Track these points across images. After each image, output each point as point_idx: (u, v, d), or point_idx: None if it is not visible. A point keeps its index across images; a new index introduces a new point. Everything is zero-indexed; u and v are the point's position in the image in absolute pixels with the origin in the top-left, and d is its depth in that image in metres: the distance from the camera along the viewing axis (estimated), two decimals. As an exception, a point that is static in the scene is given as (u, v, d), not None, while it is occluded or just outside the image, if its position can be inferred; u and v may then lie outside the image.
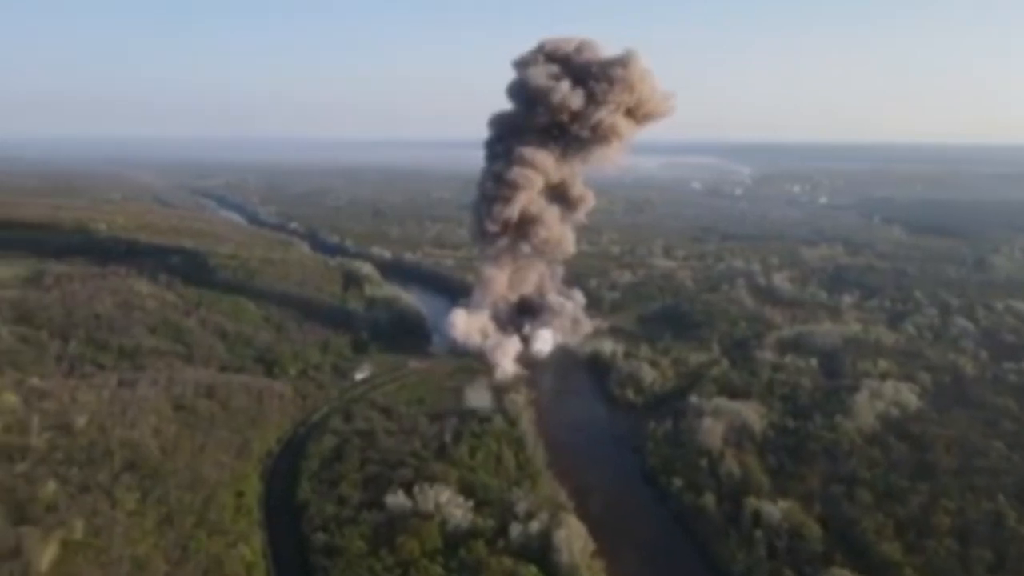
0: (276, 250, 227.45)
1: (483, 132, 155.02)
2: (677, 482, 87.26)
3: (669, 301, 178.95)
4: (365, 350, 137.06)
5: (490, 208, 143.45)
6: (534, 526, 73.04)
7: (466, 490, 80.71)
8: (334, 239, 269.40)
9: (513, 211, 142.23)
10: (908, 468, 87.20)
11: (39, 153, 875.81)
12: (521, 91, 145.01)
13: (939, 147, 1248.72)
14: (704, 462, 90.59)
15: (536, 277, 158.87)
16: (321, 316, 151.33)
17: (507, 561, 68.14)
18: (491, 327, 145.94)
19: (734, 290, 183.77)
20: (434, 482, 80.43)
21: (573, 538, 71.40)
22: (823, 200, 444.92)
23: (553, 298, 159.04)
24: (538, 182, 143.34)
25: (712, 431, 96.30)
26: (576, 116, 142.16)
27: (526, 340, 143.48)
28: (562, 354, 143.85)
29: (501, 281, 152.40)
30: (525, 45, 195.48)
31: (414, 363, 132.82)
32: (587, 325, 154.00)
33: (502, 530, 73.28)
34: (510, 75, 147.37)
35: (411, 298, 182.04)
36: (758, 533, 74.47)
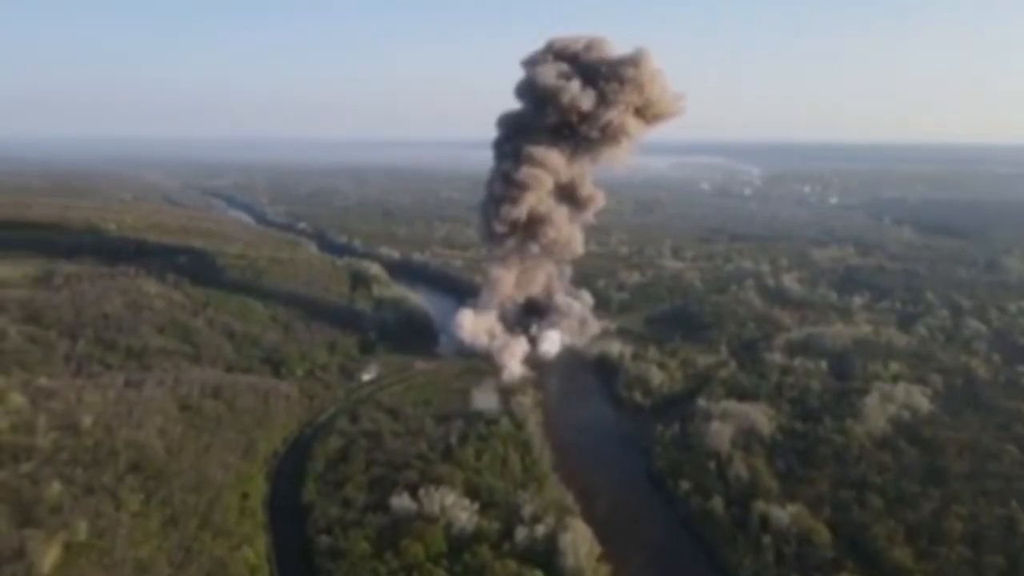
0: (284, 250, 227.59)
1: (484, 132, 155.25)
2: (685, 485, 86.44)
3: (677, 302, 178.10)
4: (372, 351, 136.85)
5: (498, 208, 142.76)
6: (540, 529, 72.49)
7: (472, 492, 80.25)
8: (342, 239, 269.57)
9: (521, 211, 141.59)
10: (919, 472, 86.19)
11: (41, 153, 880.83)
12: (530, 90, 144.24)
13: (951, 147, 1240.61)
14: (712, 465, 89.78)
15: (544, 278, 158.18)
16: (328, 316, 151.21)
17: (512, 565, 67.64)
18: (498, 328, 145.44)
19: (743, 291, 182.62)
20: (439, 484, 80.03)
21: (579, 542, 70.85)
22: (833, 200, 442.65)
23: (561, 299, 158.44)
24: (547, 182, 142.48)
25: (720, 434, 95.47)
26: (585, 116, 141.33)
27: (533, 341, 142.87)
28: (569, 355, 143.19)
29: (508, 281, 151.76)
30: (526, 45, 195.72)
31: (420, 364, 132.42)
32: (595, 326, 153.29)
33: (507, 533, 72.80)
34: (511, 75, 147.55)
35: (419, 299, 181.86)
36: (766, 538, 73.65)
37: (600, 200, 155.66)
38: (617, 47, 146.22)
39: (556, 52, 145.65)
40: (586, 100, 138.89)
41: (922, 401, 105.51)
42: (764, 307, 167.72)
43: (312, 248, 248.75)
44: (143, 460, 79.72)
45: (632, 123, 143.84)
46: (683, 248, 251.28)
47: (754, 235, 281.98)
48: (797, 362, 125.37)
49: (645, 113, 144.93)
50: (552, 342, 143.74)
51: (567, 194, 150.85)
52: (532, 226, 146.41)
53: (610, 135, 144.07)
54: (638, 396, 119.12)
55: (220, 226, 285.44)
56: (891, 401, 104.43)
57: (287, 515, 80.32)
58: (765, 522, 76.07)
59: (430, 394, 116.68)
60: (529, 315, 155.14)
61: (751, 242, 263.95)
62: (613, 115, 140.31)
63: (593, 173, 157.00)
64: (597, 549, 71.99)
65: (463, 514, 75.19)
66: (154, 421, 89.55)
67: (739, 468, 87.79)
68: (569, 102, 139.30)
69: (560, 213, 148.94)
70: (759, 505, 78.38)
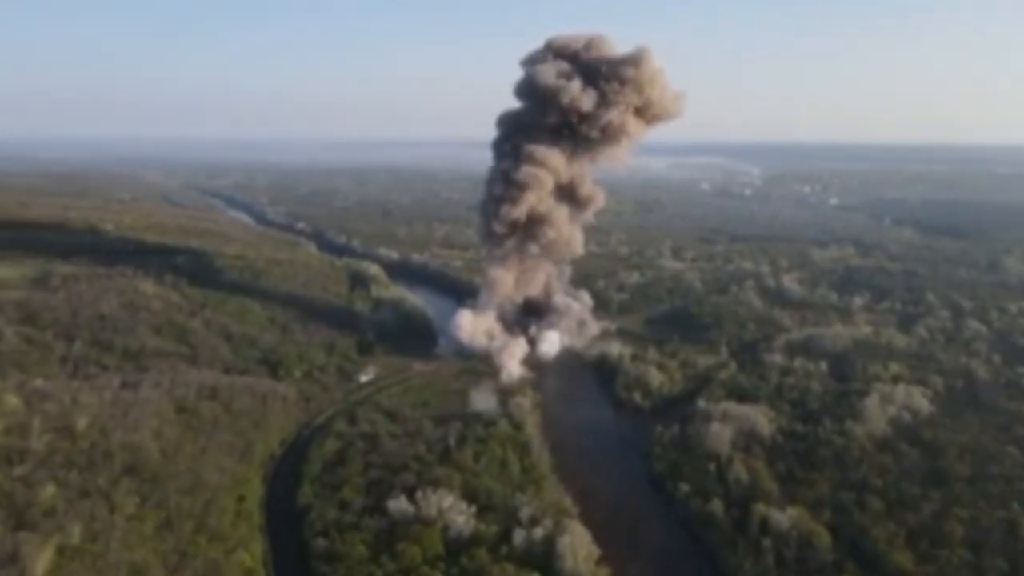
0: (283, 250, 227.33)
1: (484, 132, 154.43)
2: (684, 488, 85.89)
3: (677, 303, 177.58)
4: (370, 352, 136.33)
5: (498, 208, 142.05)
6: (538, 532, 72.01)
7: (469, 495, 79.71)
8: (341, 239, 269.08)
9: (521, 211, 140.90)
10: (920, 475, 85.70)
11: (40, 152, 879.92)
12: (529, 90, 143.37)
13: (951, 147, 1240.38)
14: (712, 467, 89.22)
15: (543, 278, 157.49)
16: (327, 317, 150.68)
17: (510, 568, 67.19)
18: (497, 329, 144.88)
19: (743, 292, 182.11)
20: (437, 487, 79.56)
21: (577, 545, 70.33)
22: (833, 201, 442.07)
23: (560, 299, 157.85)
24: (547, 181, 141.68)
25: (720, 436, 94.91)
26: (585, 117, 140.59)
27: (532, 342, 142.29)
28: (568, 356, 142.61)
29: (508, 282, 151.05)
30: (526, 45, 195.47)
31: (419, 365, 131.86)
32: (594, 327, 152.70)
33: (505, 536, 72.35)
34: (511, 75, 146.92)
35: (417, 299, 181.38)
36: (766, 541, 73.13)
37: (600, 199, 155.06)
38: (617, 45, 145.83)
39: (556, 51, 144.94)
40: (586, 100, 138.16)
41: (922, 402, 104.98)
42: (764, 308, 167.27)
43: (311, 248, 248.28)
44: (138, 463, 79.17)
45: (632, 123, 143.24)
46: (683, 249, 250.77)
47: (754, 236, 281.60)
48: (797, 363, 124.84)
49: (645, 113, 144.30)
50: (551, 343, 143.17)
51: (567, 193, 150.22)
52: (532, 226, 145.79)
53: (610, 135, 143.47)
54: (637, 397, 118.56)
55: (219, 226, 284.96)
56: (891, 403, 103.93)
57: (283, 518, 79.76)
58: (765, 525, 75.56)
59: (428, 395, 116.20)
60: (528, 316, 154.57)
61: (751, 243, 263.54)
62: (613, 115, 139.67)
63: (593, 173, 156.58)
64: (596, 552, 71.39)
65: (460, 517, 74.67)
66: (150, 423, 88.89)
67: (739, 470, 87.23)
68: (569, 102, 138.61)
69: (560, 213, 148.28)
70: (759, 508, 77.84)
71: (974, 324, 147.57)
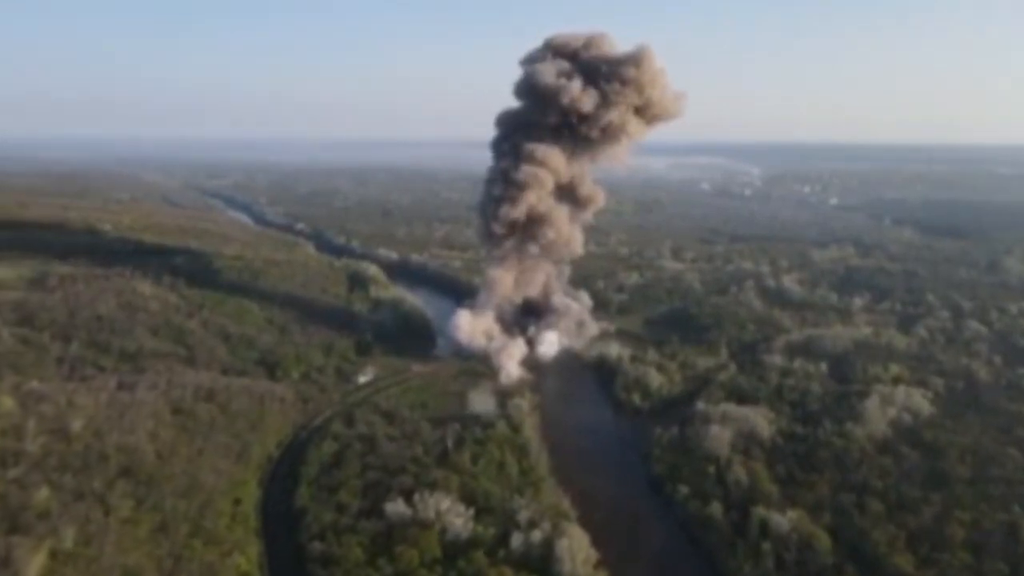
0: (281, 251, 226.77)
1: (484, 132, 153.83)
2: (683, 490, 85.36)
3: (677, 304, 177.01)
4: (369, 352, 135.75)
5: (497, 209, 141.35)
6: (536, 535, 71.49)
7: (467, 498, 79.21)
8: (340, 240, 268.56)
9: (521, 211, 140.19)
10: (920, 477, 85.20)
11: (40, 152, 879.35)
12: (529, 89, 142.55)
13: (952, 147, 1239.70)
14: (711, 470, 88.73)
15: (542, 278, 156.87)
16: (325, 318, 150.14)
17: (507, 571, 66.79)
18: (496, 329, 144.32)
19: (743, 292, 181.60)
20: (435, 489, 79.09)
21: (576, 548, 69.80)
22: (833, 201, 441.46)
23: (559, 300, 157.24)
24: (548, 180, 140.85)
25: (719, 438, 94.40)
26: (586, 117, 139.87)
27: (531, 343, 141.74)
28: (567, 357, 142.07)
29: (506, 282, 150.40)
30: (526, 45, 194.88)
31: (417, 367, 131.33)
32: (593, 328, 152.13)
33: (503, 539, 71.87)
34: (512, 75, 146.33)
35: (416, 300, 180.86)
36: (766, 544, 72.60)
37: (600, 199, 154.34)
38: (617, 43, 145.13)
39: (555, 49, 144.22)
40: (587, 101, 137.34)
41: (923, 404, 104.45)
42: (764, 309, 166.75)
43: (310, 249, 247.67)
44: (134, 465, 78.56)
45: (632, 123, 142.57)
46: (683, 249, 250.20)
47: (754, 236, 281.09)
48: (797, 364, 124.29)
49: (646, 113, 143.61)
50: (550, 344, 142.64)
51: (567, 193, 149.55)
52: (531, 226, 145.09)
53: (610, 135, 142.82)
54: (637, 399, 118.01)
55: (218, 227, 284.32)
56: (892, 404, 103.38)
57: (280, 521, 79.23)
58: (764, 527, 75.04)
59: (426, 397, 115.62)
60: (527, 316, 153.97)
61: (751, 243, 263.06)
62: (614, 116, 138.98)
63: (592, 173, 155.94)
64: (594, 555, 70.84)
65: (458, 520, 74.14)
66: (146, 425, 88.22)
67: (738, 472, 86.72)
68: (570, 103, 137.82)
69: (560, 212, 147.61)
70: (759, 510, 77.32)
71: (974, 325, 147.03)
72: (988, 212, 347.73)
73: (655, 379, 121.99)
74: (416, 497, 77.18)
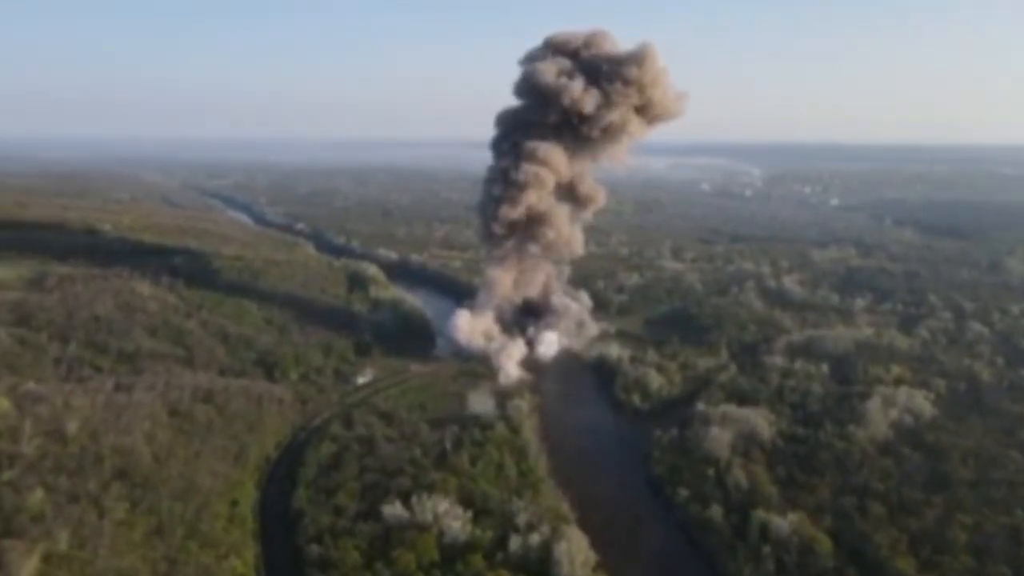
0: (281, 251, 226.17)
1: (483, 132, 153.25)
2: (683, 492, 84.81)
3: (677, 304, 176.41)
4: (368, 353, 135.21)
5: (497, 208, 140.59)
6: (534, 538, 70.94)
7: (465, 500, 78.68)
8: (340, 240, 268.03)
9: (521, 211, 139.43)
10: (922, 479, 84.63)
11: (40, 152, 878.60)
12: (529, 88, 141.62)
13: (952, 147, 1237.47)
14: (711, 472, 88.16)
15: (542, 278, 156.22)
16: (324, 318, 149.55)
17: (506, 574, 66.28)
18: (495, 330, 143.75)
19: (743, 293, 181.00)
20: (433, 491, 78.51)
21: (575, 551, 69.25)
22: (834, 201, 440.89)
23: (559, 300, 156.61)
24: (548, 180, 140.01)
25: (719, 439, 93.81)
26: (586, 116, 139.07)
27: (531, 343, 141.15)
28: (567, 358, 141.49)
29: (506, 282, 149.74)
30: (526, 44, 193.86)
31: (416, 367, 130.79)
32: (593, 328, 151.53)
33: (501, 542, 71.28)
34: (512, 74, 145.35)
35: (416, 300, 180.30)
36: (766, 547, 72.01)
37: (601, 198, 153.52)
38: (617, 41, 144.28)
39: (555, 47, 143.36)
40: (588, 101, 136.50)
41: (925, 405, 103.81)
42: (765, 309, 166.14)
43: (310, 249, 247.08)
44: (129, 467, 78.04)
45: (634, 122, 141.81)
46: (683, 249, 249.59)
47: (754, 236, 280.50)
48: (798, 365, 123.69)
49: (647, 113, 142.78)
50: (550, 344, 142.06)
51: (567, 192, 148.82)
52: (531, 226, 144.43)
53: (611, 134, 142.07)
54: (636, 400, 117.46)
55: (217, 227, 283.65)
56: (893, 405, 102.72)
57: (277, 523, 78.74)
58: (765, 530, 74.44)
59: (425, 398, 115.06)
60: (527, 317, 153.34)
61: (751, 243, 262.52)
62: (615, 116, 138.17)
63: (593, 173, 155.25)
64: (593, 558, 70.30)
65: (456, 522, 73.52)
66: (142, 427, 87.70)
67: (738, 475, 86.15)
68: (570, 103, 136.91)
69: (560, 212, 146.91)
70: (759, 513, 76.74)
71: (976, 326, 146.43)
72: (989, 212, 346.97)
73: (655, 380, 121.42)
74: (414, 499, 76.61)
